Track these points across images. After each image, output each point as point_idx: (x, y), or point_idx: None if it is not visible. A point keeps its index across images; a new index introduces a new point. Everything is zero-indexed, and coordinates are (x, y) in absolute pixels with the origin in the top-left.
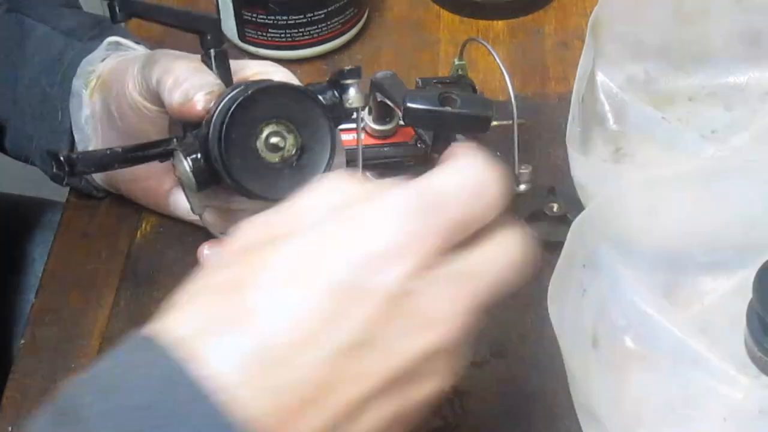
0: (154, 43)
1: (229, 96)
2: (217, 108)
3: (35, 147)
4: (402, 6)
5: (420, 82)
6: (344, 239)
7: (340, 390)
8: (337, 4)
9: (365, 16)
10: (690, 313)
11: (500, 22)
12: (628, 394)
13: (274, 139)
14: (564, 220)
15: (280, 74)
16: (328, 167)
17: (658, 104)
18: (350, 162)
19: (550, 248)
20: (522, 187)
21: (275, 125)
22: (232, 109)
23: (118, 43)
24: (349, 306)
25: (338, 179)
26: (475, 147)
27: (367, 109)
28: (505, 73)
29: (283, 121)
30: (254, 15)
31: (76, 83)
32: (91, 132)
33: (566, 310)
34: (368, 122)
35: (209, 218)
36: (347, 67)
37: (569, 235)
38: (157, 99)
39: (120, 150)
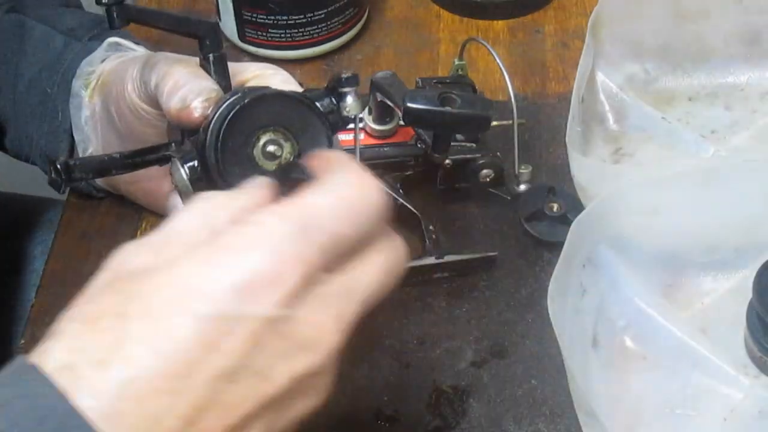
0: (154, 44)
1: (226, 103)
2: (214, 115)
3: (35, 147)
4: (402, 6)
5: (420, 82)
6: (218, 267)
7: (217, 416)
8: (337, 4)
9: (365, 16)
10: (690, 313)
11: (500, 22)
12: (628, 394)
13: (270, 147)
14: (564, 220)
15: (280, 77)
16: None
17: (658, 104)
18: None
19: (550, 248)
20: (522, 187)
21: (272, 133)
22: (228, 117)
23: (118, 44)
24: (224, 335)
25: (213, 200)
26: (347, 157)
27: (367, 109)
28: (505, 73)
29: (280, 129)
30: (254, 15)
31: (76, 84)
32: (90, 132)
33: (566, 310)
34: (368, 122)
35: None
36: (345, 75)
37: (569, 235)
38: (155, 102)
39: (118, 156)
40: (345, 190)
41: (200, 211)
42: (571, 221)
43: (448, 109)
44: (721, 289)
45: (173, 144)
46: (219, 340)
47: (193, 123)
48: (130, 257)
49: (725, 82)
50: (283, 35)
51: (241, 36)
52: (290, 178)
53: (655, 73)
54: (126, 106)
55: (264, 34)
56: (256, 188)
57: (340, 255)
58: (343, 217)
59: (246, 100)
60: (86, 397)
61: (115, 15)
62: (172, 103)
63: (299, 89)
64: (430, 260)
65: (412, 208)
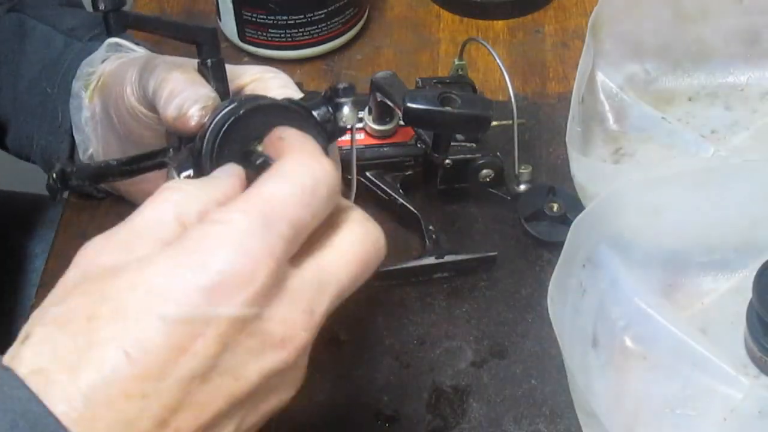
0: (153, 44)
1: (223, 113)
2: (210, 124)
3: (36, 146)
4: (402, 6)
5: (420, 82)
6: (187, 268)
7: (190, 416)
8: (337, 4)
9: (365, 16)
10: (690, 313)
11: (500, 22)
12: (628, 394)
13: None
14: (564, 220)
15: (279, 80)
16: None
17: (658, 104)
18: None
19: (550, 248)
20: (522, 187)
21: None
22: (224, 127)
23: (118, 44)
24: (194, 336)
25: (184, 190)
26: (300, 135)
27: (367, 109)
28: (505, 73)
29: None
30: (254, 15)
31: (76, 85)
32: (91, 133)
33: (566, 310)
34: (368, 122)
35: None
36: (342, 85)
37: (569, 235)
38: (154, 107)
39: (114, 163)
40: (298, 176)
41: (171, 203)
42: (571, 221)
43: (448, 109)
44: (721, 289)
45: (170, 150)
46: (189, 341)
47: (189, 131)
48: (99, 253)
49: (725, 82)
50: (283, 35)
51: (241, 36)
52: (255, 165)
53: (655, 73)
54: (125, 108)
55: (264, 34)
56: (227, 177)
57: (302, 242)
58: (299, 203)
59: (242, 111)
60: (58, 402)
61: (112, 22)
62: (169, 111)
63: (298, 93)
64: (430, 260)
65: (412, 208)
